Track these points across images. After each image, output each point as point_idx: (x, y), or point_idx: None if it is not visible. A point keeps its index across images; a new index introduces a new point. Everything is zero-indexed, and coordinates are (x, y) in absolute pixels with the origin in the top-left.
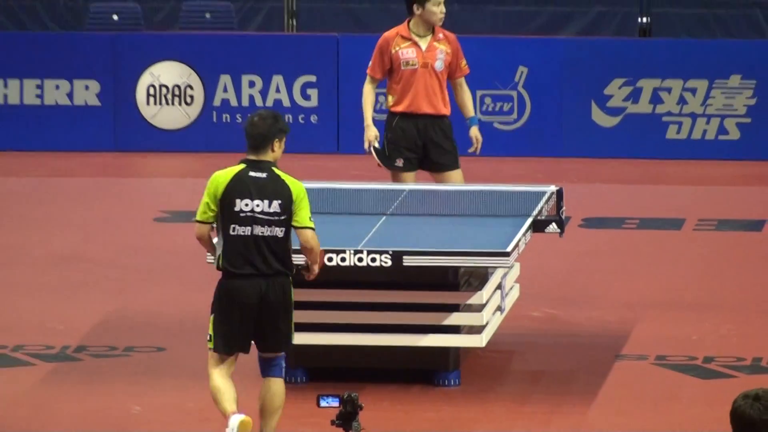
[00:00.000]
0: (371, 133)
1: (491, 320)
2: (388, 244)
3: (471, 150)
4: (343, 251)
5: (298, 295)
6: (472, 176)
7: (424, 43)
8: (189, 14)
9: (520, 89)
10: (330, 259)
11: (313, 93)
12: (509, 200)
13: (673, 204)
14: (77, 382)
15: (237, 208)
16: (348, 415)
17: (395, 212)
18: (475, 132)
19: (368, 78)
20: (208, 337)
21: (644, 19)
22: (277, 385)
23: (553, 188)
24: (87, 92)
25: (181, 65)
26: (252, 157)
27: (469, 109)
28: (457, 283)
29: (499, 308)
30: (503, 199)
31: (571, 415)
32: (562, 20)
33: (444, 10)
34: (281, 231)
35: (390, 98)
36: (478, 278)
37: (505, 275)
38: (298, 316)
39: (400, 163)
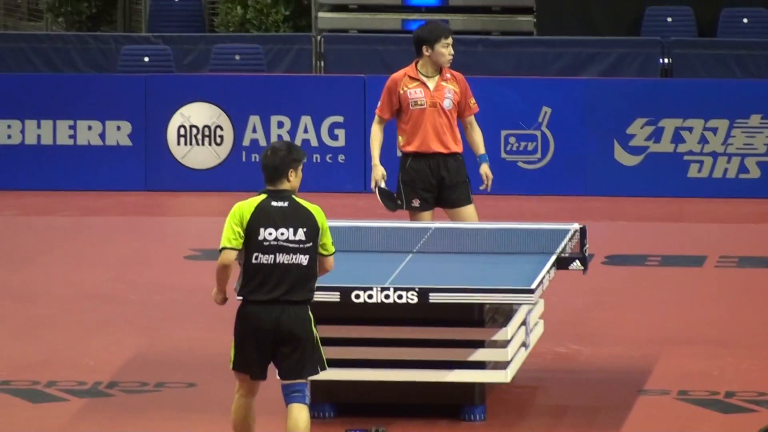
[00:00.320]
0: (378, 173)
1: (516, 356)
2: (415, 281)
3: (482, 188)
4: (370, 288)
5: (326, 331)
6: (497, 214)
7: (432, 83)
8: (219, 56)
9: (543, 129)
10: (357, 296)
11: (340, 133)
12: (533, 238)
13: (694, 241)
14: (109, 418)
15: (261, 237)
16: None
17: (421, 250)
18: (485, 169)
19: (377, 118)
20: (230, 359)
21: (666, 60)
22: (298, 411)
23: (576, 226)
24: (119, 133)
25: (211, 106)
26: (270, 188)
27: (480, 147)
28: (482, 319)
29: (524, 344)
30: (528, 237)
31: None
32: (584, 61)
33: (452, 51)
34: (305, 258)
35: (400, 138)
36: (503, 315)
37: (529, 312)
38: (327, 352)
39: (416, 203)
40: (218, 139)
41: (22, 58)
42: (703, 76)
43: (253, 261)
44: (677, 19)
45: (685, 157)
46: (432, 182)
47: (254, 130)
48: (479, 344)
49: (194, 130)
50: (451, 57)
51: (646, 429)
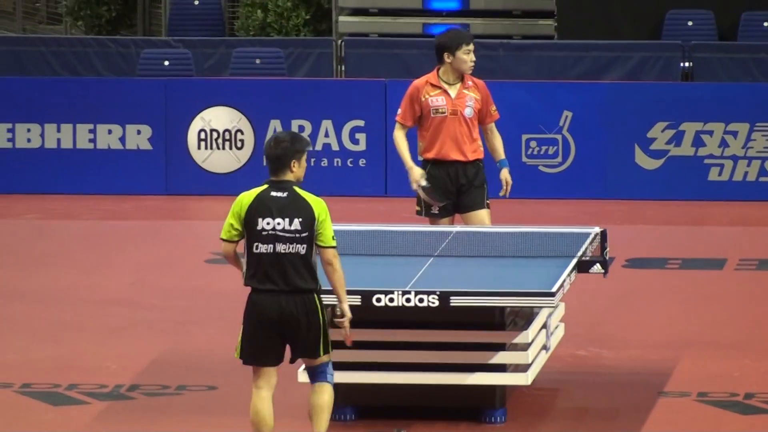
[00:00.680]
0: (416, 173)
1: (537, 359)
2: (436, 285)
3: (501, 193)
4: (392, 292)
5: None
6: (517, 218)
7: (453, 91)
8: (239, 60)
9: (564, 133)
10: (378, 300)
11: (361, 137)
12: (554, 241)
13: (714, 244)
14: (130, 421)
15: (259, 227)
16: None
17: (442, 254)
18: (505, 174)
19: (398, 125)
20: (236, 347)
21: (686, 64)
22: (322, 389)
23: (597, 229)
24: (139, 137)
25: (231, 110)
26: (273, 178)
27: (500, 152)
28: (503, 322)
29: (545, 347)
30: (548, 241)
31: None
32: (605, 65)
33: (474, 58)
34: (303, 248)
35: (421, 145)
36: (523, 318)
37: (550, 315)
38: (348, 355)
39: (435, 209)
40: (239, 143)
41: (42, 61)
42: (723, 79)
43: (254, 251)
44: (698, 23)
45: (706, 161)
46: (451, 189)
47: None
48: (500, 347)
49: (215, 134)
50: (472, 64)
51: (666, 431)
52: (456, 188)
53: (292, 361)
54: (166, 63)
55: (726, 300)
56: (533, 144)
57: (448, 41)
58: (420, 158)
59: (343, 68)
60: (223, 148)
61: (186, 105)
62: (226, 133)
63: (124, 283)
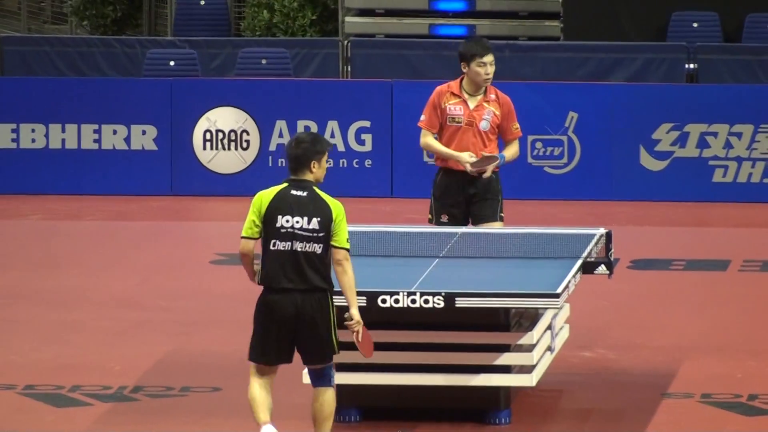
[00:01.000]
0: (464, 156)
1: (541, 360)
2: (441, 286)
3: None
4: (397, 293)
5: (350, 337)
6: (523, 219)
7: (473, 102)
8: (245, 60)
9: (570, 134)
10: (384, 301)
11: (367, 138)
12: (559, 243)
13: (719, 246)
14: (134, 422)
15: (278, 224)
16: None
17: (448, 255)
18: (493, 156)
19: (424, 132)
20: (251, 347)
21: (691, 66)
22: (325, 394)
23: (602, 231)
24: (144, 137)
25: (237, 111)
26: (293, 177)
27: (507, 152)
28: (508, 323)
29: (549, 348)
30: (553, 242)
31: None
32: (611, 67)
33: (489, 71)
34: (320, 247)
35: None
36: (528, 319)
37: (555, 316)
38: (353, 356)
39: (445, 218)
40: (244, 144)
41: (47, 61)
42: (728, 81)
43: (272, 248)
44: (703, 25)
45: (710, 162)
46: (460, 199)
47: (281, 135)
48: (505, 348)
49: (220, 135)
50: (487, 77)
51: None
52: (465, 198)
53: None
54: (172, 63)
55: (730, 301)
56: (539, 145)
57: (464, 50)
58: (434, 163)
59: (349, 69)
60: (229, 149)
61: (191, 105)
62: (232, 134)
63: (129, 284)
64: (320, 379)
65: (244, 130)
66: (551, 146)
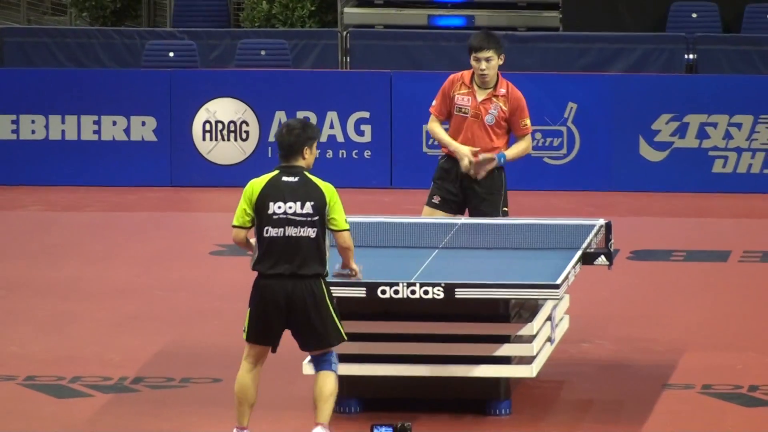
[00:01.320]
0: (465, 150)
1: (541, 351)
2: (441, 276)
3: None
4: (396, 284)
5: (352, 326)
6: (522, 210)
7: (481, 95)
8: (244, 51)
9: (569, 125)
10: (383, 292)
11: (366, 129)
12: (559, 233)
13: (719, 236)
14: (134, 413)
15: (270, 211)
16: None
17: (447, 245)
18: (488, 158)
19: (432, 117)
20: (244, 328)
21: (690, 56)
22: (326, 377)
23: (602, 221)
24: (143, 128)
25: (236, 102)
26: (284, 164)
27: (511, 149)
28: (508, 314)
29: (549, 339)
30: (553, 233)
31: None
32: (610, 57)
33: (484, 67)
34: (313, 232)
35: None
36: (528, 310)
37: (555, 307)
38: (353, 347)
39: (436, 199)
40: (244, 135)
41: (46, 52)
42: (727, 71)
43: (265, 234)
44: (702, 15)
45: (710, 153)
46: (456, 187)
47: (280, 126)
48: (505, 339)
49: (219, 126)
50: (482, 72)
51: (670, 423)
52: (462, 189)
53: (304, 349)
54: (171, 54)
55: (730, 292)
56: (538, 136)
57: (468, 44)
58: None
59: (348, 59)
60: (228, 140)
61: (191, 96)
62: (231, 125)
63: (129, 274)
64: (321, 363)
65: (244, 121)
66: (550, 137)
